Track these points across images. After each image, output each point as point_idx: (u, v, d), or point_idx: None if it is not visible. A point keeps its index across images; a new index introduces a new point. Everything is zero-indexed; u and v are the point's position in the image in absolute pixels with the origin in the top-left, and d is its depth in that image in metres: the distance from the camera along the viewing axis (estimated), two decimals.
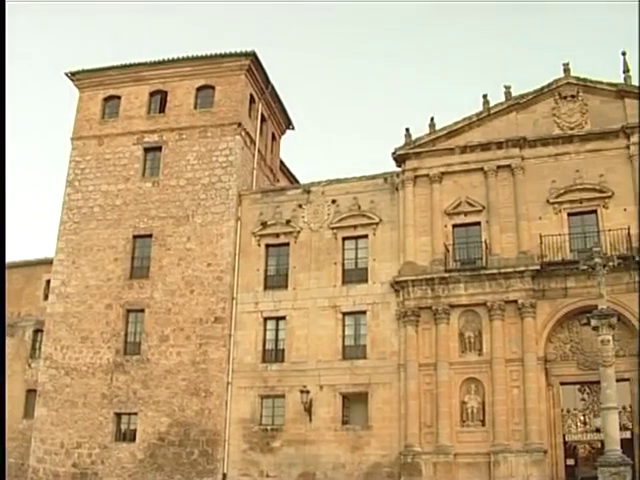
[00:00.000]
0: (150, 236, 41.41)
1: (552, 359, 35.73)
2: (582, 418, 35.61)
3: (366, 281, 38.19)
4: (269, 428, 37.31)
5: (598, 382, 27.08)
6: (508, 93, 38.91)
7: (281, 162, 50.02)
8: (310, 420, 36.64)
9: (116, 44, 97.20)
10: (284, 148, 50.12)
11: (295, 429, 36.87)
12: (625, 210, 35.89)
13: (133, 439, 38.62)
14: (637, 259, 34.39)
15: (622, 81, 37.80)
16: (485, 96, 39.02)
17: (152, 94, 44.36)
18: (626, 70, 37.84)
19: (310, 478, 36.02)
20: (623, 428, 32.73)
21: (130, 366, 39.41)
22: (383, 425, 35.89)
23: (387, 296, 37.50)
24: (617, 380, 26.76)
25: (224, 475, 37.03)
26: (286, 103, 48.22)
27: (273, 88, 45.80)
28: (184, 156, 42.34)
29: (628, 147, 36.69)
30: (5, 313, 35.57)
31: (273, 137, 47.99)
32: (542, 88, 38.61)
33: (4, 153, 38.59)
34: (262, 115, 45.32)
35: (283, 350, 38.41)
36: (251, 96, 44.05)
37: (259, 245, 40.33)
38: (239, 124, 42.16)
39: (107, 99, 45.08)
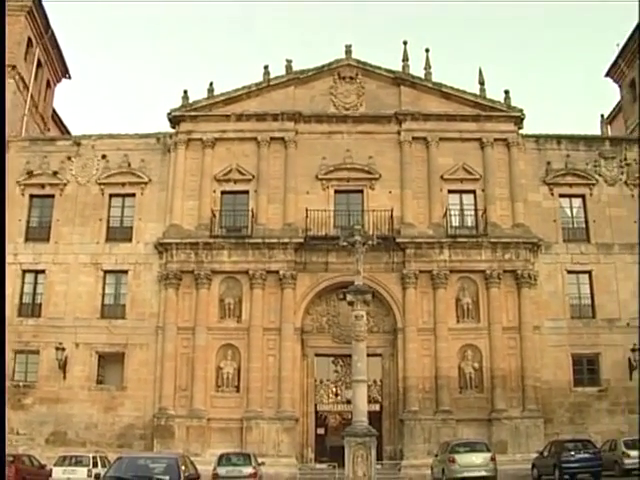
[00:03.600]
0: None
1: (309, 330, 36.85)
2: (334, 389, 36.98)
3: (130, 240, 37.76)
4: (21, 384, 36.19)
5: (351, 355, 27.72)
6: (289, 67, 39.42)
7: (54, 111, 48.18)
8: (64, 378, 35.96)
9: None
10: (59, 98, 48.34)
11: (48, 387, 36.03)
12: (390, 193, 37.49)
13: None
14: (396, 240, 35.92)
15: (400, 69, 39.30)
16: (266, 67, 39.33)
17: None
18: (405, 59, 39.31)
19: (61, 437, 35.33)
20: (373, 401, 34.57)
21: None
22: (138, 386, 35.78)
23: (150, 257, 37.29)
24: (369, 355, 27.72)
25: None
26: (65, 51, 46.53)
27: (53, 34, 44.02)
28: None
29: (399, 133, 38.27)
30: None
31: (48, 85, 46.06)
32: (323, 66, 39.50)
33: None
34: (39, 60, 43.49)
35: (40, 305, 37.34)
36: (29, 39, 42.21)
37: (23, 195, 38.84)
38: (13, 67, 40.23)
39: None
